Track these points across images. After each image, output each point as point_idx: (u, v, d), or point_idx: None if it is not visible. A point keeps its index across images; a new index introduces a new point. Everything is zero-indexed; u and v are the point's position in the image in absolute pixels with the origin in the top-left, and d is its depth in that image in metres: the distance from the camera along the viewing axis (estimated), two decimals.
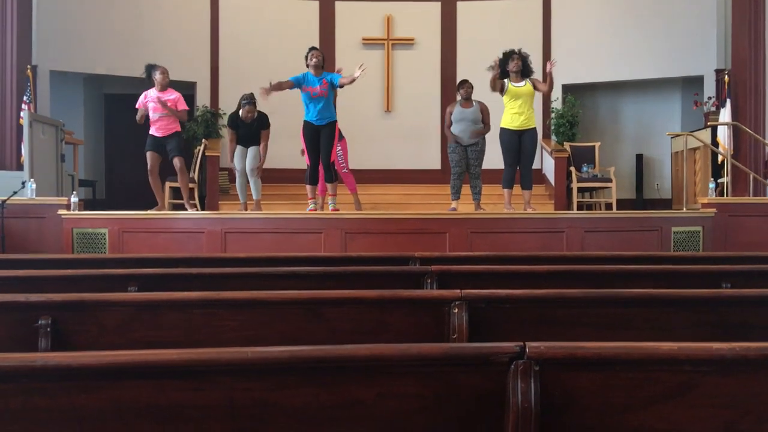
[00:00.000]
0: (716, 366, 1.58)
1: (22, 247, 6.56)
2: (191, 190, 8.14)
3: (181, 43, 10.31)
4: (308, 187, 7.27)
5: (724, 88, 9.18)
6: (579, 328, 2.45)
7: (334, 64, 10.14)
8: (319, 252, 6.14)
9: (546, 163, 10.38)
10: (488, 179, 8.03)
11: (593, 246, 6.30)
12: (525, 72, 7.11)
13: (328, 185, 7.19)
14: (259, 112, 7.30)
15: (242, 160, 7.39)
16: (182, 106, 6.99)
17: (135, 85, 7.77)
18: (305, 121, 7.07)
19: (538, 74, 7.50)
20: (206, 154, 9.31)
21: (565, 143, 10.08)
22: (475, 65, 9.74)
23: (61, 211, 6.52)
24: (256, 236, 6.41)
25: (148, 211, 6.91)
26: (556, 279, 3.26)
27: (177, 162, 7.08)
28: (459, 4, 10.96)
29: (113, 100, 11.20)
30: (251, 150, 7.35)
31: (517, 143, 7.12)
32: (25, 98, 8.61)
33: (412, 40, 10.97)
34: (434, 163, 10.79)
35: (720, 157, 8.71)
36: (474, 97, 7.47)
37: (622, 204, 10.02)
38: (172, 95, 6.97)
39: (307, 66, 6.94)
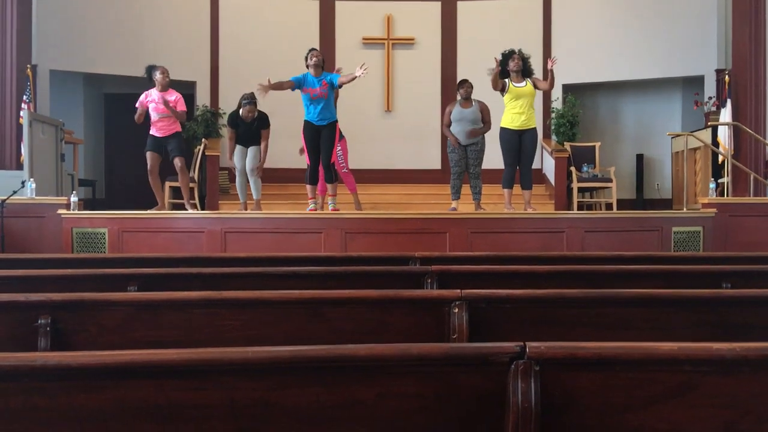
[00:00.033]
0: (716, 366, 1.58)
1: (22, 246, 6.55)
2: (191, 189, 8.15)
3: (181, 42, 10.31)
4: (308, 186, 7.27)
5: (724, 88, 9.18)
6: (579, 328, 2.45)
7: (334, 63, 10.15)
8: (320, 252, 6.14)
9: (546, 163, 10.38)
10: (488, 179, 8.02)
11: (593, 246, 6.30)
12: (525, 72, 7.11)
13: (328, 185, 7.19)
14: (260, 111, 7.30)
15: (242, 159, 7.39)
16: (182, 107, 6.99)
17: (135, 85, 7.77)
18: (306, 121, 7.07)
19: (538, 74, 7.50)
20: (206, 153, 9.31)
21: (565, 143, 10.08)
22: (475, 65, 9.75)
23: (60, 211, 6.52)
24: (256, 236, 6.41)
25: (148, 211, 6.91)
26: (557, 279, 3.27)
27: (178, 162, 7.08)
28: (459, 4, 10.96)
29: (113, 99, 11.20)
30: (251, 150, 7.35)
31: (518, 143, 7.12)
32: (24, 98, 8.61)
33: (413, 39, 10.97)
34: (434, 163, 10.79)
35: (720, 157, 8.71)
36: (474, 96, 7.47)
37: (623, 204, 10.02)
38: (173, 96, 6.97)
39: (307, 66, 6.94)
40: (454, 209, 7.30)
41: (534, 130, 7.20)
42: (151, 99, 6.95)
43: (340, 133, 7.54)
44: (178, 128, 7.14)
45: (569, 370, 1.56)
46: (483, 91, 7.56)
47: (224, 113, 9.57)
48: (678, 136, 9.40)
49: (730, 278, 3.28)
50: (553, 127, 10.52)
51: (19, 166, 8.26)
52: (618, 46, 10.44)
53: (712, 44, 9.90)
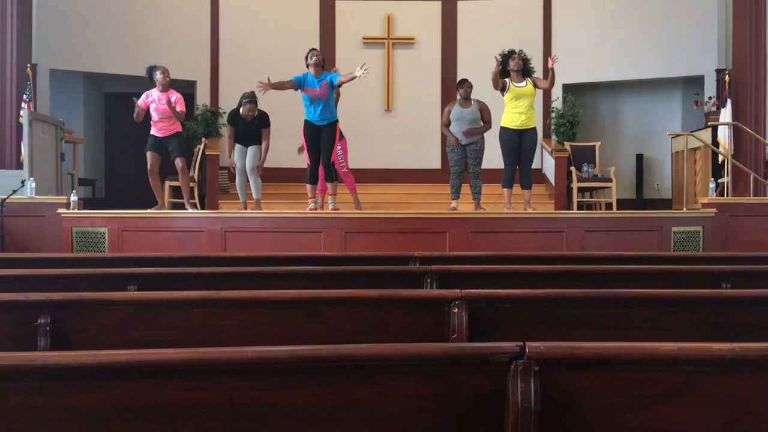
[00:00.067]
0: (716, 366, 1.57)
1: (22, 246, 6.55)
2: (191, 189, 8.15)
3: (181, 41, 10.30)
4: (308, 186, 7.27)
5: (724, 88, 9.18)
6: (579, 328, 2.45)
7: (335, 63, 10.14)
8: (319, 251, 6.13)
9: (546, 162, 10.38)
10: (488, 179, 8.02)
11: (593, 246, 6.30)
12: (525, 72, 7.11)
13: (328, 185, 7.19)
14: (260, 110, 7.30)
15: (242, 159, 7.39)
16: (181, 107, 6.98)
17: (135, 84, 7.78)
18: (306, 121, 7.07)
19: (538, 74, 7.49)
20: (206, 153, 9.31)
21: (565, 143, 10.08)
22: (475, 65, 9.76)
23: (60, 210, 6.52)
24: (256, 235, 6.41)
25: (148, 211, 6.91)
26: (556, 279, 3.26)
27: (179, 162, 7.08)
28: (459, 4, 10.95)
29: (113, 98, 11.19)
30: (251, 149, 7.35)
31: (517, 143, 7.12)
32: (24, 97, 8.61)
33: (413, 39, 10.97)
34: (434, 162, 10.79)
35: (720, 157, 8.71)
36: (474, 96, 7.46)
37: (622, 204, 10.01)
38: (173, 96, 6.96)
39: (307, 66, 6.94)
40: (454, 209, 7.30)
41: (534, 129, 7.20)
42: (151, 99, 6.95)
43: (340, 133, 7.54)
44: (179, 128, 7.14)
45: (569, 370, 1.56)
46: (483, 90, 7.56)
47: (224, 112, 9.57)
48: (678, 136, 9.40)
49: (729, 278, 3.28)
50: (553, 127, 10.52)
51: (19, 166, 8.26)
52: (618, 46, 10.44)
53: (712, 44, 9.90)
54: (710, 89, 9.85)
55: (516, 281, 3.17)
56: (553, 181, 9.78)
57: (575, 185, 9.33)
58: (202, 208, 8.72)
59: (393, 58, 10.94)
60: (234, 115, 7.32)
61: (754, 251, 5.79)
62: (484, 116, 7.39)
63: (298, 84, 6.88)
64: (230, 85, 10.12)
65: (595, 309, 2.50)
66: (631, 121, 11.28)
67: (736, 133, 8.81)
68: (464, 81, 7.50)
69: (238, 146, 7.38)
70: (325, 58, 7.23)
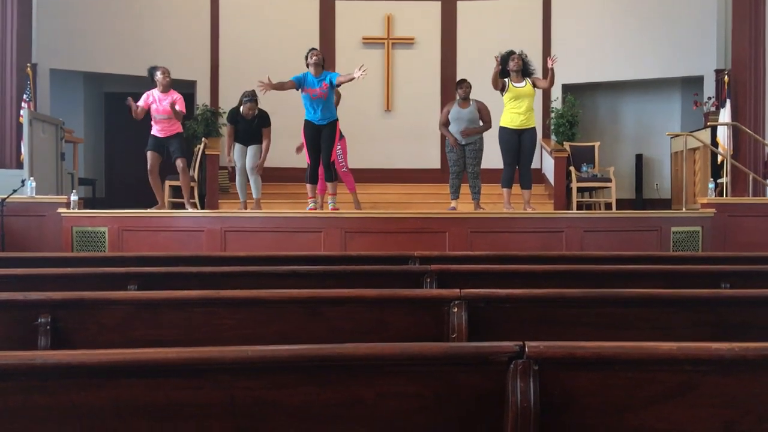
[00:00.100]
0: (716, 366, 1.58)
1: (22, 245, 6.55)
2: (191, 188, 8.15)
3: (181, 41, 10.30)
4: (308, 186, 7.27)
5: (723, 89, 9.18)
6: (578, 328, 2.46)
7: (335, 63, 10.15)
8: (319, 251, 6.14)
9: (546, 162, 10.38)
10: (488, 179, 8.02)
11: (593, 246, 6.30)
12: (525, 72, 7.11)
13: (328, 184, 7.19)
14: (260, 109, 7.30)
15: (242, 158, 7.39)
16: (181, 107, 6.98)
17: (135, 84, 7.78)
18: (306, 121, 7.07)
19: (538, 74, 7.49)
20: (206, 152, 9.31)
21: (564, 143, 10.08)
22: (475, 65, 9.77)
23: (60, 210, 6.52)
24: (256, 235, 6.41)
25: (148, 210, 6.91)
26: (556, 279, 3.27)
27: (180, 163, 7.08)
28: (459, 4, 10.95)
29: (113, 98, 11.18)
30: (251, 148, 7.35)
31: (517, 143, 7.12)
32: (25, 96, 8.61)
33: (413, 39, 10.97)
34: (434, 162, 10.79)
35: (719, 158, 8.71)
36: (474, 96, 7.46)
37: (622, 204, 10.02)
38: (174, 96, 6.96)
39: (307, 65, 6.94)
40: (454, 209, 7.30)
41: (533, 129, 7.20)
42: (152, 99, 6.95)
43: (340, 133, 7.55)
44: (180, 129, 7.14)
45: (568, 369, 1.57)
46: (482, 90, 7.56)
47: (224, 112, 9.57)
48: (677, 136, 9.40)
49: (728, 278, 3.28)
50: (552, 127, 10.52)
51: (19, 165, 8.25)
52: (618, 46, 10.45)
53: (711, 44, 9.90)
54: (709, 89, 9.85)
55: (515, 281, 3.17)
56: (552, 181, 9.78)
57: (575, 185, 9.33)
58: (202, 208, 8.72)
59: (393, 59, 10.94)
60: (234, 114, 7.32)
61: (753, 251, 5.80)
62: (483, 116, 7.39)
63: (298, 84, 6.89)
64: (230, 85, 10.12)
65: (594, 309, 2.50)
66: (631, 122, 11.28)
67: (736, 134, 8.81)
68: (463, 81, 7.51)
69: (238, 146, 7.38)
70: (325, 57, 7.24)
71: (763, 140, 8.69)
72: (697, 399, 1.57)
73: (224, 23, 10.68)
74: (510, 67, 7.06)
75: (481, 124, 7.41)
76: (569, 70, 10.15)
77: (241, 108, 7.25)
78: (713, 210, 6.81)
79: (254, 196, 7.44)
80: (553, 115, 10.52)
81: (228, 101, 9.61)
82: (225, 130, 7.92)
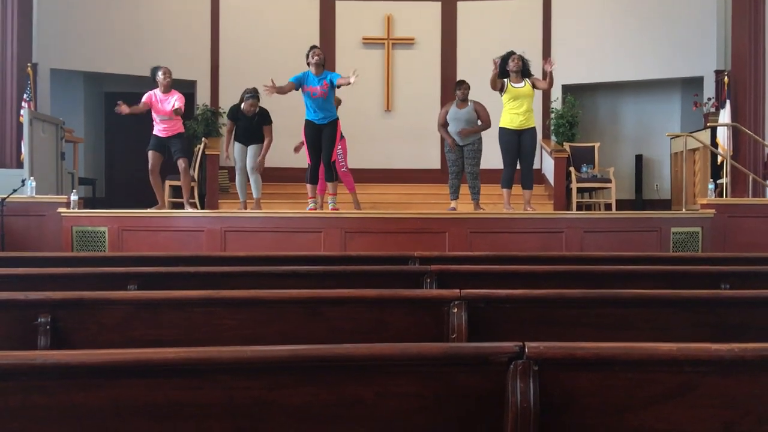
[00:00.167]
0: (715, 367, 1.58)
1: (22, 245, 6.55)
2: (191, 188, 8.15)
3: (182, 41, 10.30)
4: (308, 186, 7.27)
5: (723, 89, 9.18)
6: (578, 329, 2.46)
7: (335, 63, 10.15)
8: (319, 251, 6.14)
9: (546, 163, 10.39)
10: (488, 179, 8.01)
11: (592, 246, 6.30)
12: (524, 72, 7.11)
13: (329, 184, 7.19)
14: (261, 107, 7.30)
15: (243, 158, 7.39)
16: (179, 105, 6.96)
17: (135, 84, 7.78)
18: (307, 120, 7.07)
19: (537, 76, 7.49)
20: (206, 152, 9.32)
21: (564, 143, 10.09)
22: (475, 65, 9.76)
23: (60, 210, 6.52)
24: (256, 235, 6.41)
25: (148, 210, 6.91)
26: (556, 279, 3.27)
27: (181, 163, 7.08)
28: (459, 4, 10.95)
29: (113, 98, 11.12)
30: (251, 148, 7.35)
31: (517, 143, 7.12)
32: (25, 96, 8.61)
33: (413, 39, 10.97)
34: (434, 162, 10.79)
35: (719, 158, 8.71)
36: (474, 96, 7.46)
37: (622, 204, 10.02)
38: (174, 96, 6.96)
39: (308, 64, 6.93)
40: (454, 209, 7.30)
41: (533, 129, 7.20)
42: (155, 100, 6.94)
43: (341, 133, 7.55)
44: (181, 129, 7.14)
45: (568, 370, 1.57)
46: (482, 91, 7.56)
47: (224, 112, 9.58)
48: (677, 136, 9.40)
49: (728, 279, 3.28)
50: (552, 128, 10.53)
51: (20, 165, 8.26)
52: (618, 46, 10.45)
53: (711, 45, 9.91)
54: (709, 90, 9.86)
55: (515, 281, 3.17)
56: (552, 181, 9.78)
57: (574, 186, 9.33)
58: (202, 208, 8.72)
59: (393, 59, 10.94)
60: (235, 111, 7.31)
61: (753, 252, 5.80)
62: (481, 116, 7.38)
63: (298, 83, 6.88)
64: (230, 85, 10.12)
65: (594, 309, 2.50)
66: (631, 122, 11.28)
67: (735, 134, 8.81)
68: (462, 82, 7.51)
69: (238, 145, 7.38)
70: (325, 57, 7.23)
71: (762, 141, 8.69)
72: (697, 400, 1.57)
73: (224, 23, 10.69)
74: (510, 68, 7.06)
75: (479, 123, 7.40)
76: (569, 71, 10.15)
77: (243, 105, 7.24)
78: (713, 211, 6.81)
79: (254, 195, 7.44)
80: (553, 115, 10.52)
81: (228, 101, 9.60)
82: (226, 124, 7.91)
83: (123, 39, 9.92)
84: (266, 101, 7.34)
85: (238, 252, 5.64)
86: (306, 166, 7.45)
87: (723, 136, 8.76)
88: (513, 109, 7.08)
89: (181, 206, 7.55)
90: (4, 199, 6.52)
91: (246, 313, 2.41)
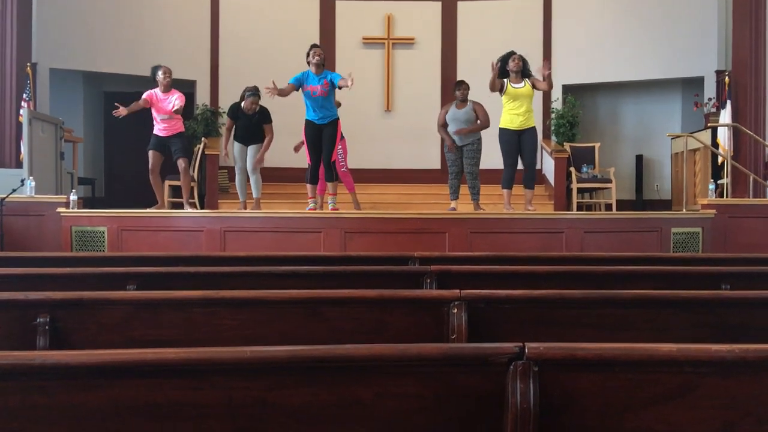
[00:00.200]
0: (716, 367, 1.58)
1: (21, 245, 6.55)
2: (191, 188, 8.15)
3: (181, 41, 10.30)
4: (308, 186, 7.27)
5: (724, 90, 9.18)
6: (578, 329, 2.45)
7: (335, 63, 10.14)
8: (319, 251, 6.13)
9: (546, 163, 10.38)
10: (488, 179, 8.00)
11: (593, 247, 6.30)
12: (524, 72, 7.11)
13: (329, 184, 7.18)
14: (261, 106, 7.30)
15: (242, 158, 7.39)
16: (179, 104, 6.96)
17: (135, 83, 7.78)
18: (307, 120, 7.06)
19: (537, 76, 7.49)
20: (206, 152, 9.31)
21: (565, 144, 10.09)
22: (475, 65, 9.75)
23: (60, 209, 6.52)
24: (256, 235, 6.41)
25: (148, 210, 6.91)
26: (556, 279, 3.26)
27: (181, 163, 7.07)
28: (459, 4, 10.95)
29: (113, 98, 11.10)
30: (251, 148, 7.35)
31: (517, 143, 7.12)
32: (24, 96, 8.61)
33: (413, 39, 10.97)
34: (434, 162, 10.79)
35: (720, 159, 8.71)
36: (474, 96, 7.46)
37: (622, 205, 10.01)
38: (174, 95, 6.96)
39: (308, 64, 6.93)
40: (454, 209, 7.29)
41: (533, 129, 7.19)
42: (155, 99, 6.93)
43: (341, 133, 7.54)
44: (182, 128, 7.14)
45: (568, 370, 1.56)
46: (482, 91, 7.55)
47: (224, 112, 9.58)
48: (678, 137, 9.39)
49: (729, 279, 3.28)
50: (552, 128, 10.53)
51: (19, 165, 8.26)
52: (618, 46, 10.45)
53: (712, 45, 9.90)
54: (710, 90, 9.85)
55: (515, 282, 3.16)
56: (552, 181, 9.78)
57: (575, 186, 9.33)
58: (202, 208, 8.72)
59: (393, 59, 10.94)
60: (235, 109, 7.31)
61: (754, 252, 5.80)
62: (479, 115, 7.37)
63: (298, 84, 6.88)
64: (230, 85, 10.11)
65: (594, 310, 2.50)
66: (631, 122, 11.28)
67: (736, 135, 8.81)
68: (461, 83, 7.51)
69: (238, 145, 7.38)
70: (325, 56, 7.23)
71: (763, 141, 8.69)
72: (697, 400, 1.57)
73: (224, 23, 10.69)
74: (510, 68, 7.06)
75: (478, 122, 7.38)
76: (569, 71, 10.15)
77: (243, 102, 7.24)
78: (713, 211, 6.81)
79: (254, 195, 7.44)
80: (553, 115, 10.52)
81: (228, 101, 9.60)
82: (226, 122, 7.90)
83: (123, 39, 9.92)
84: (266, 100, 7.34)
85: (238, 252, 5.64)
86: (306, 166, 7.45)
87: (723, 136, 8.76)
88: (513, 110, 7.07)
89: (180, 206, 7.54)
90: (4, 199, 6.52)
91: (246, 314, 2.41)
